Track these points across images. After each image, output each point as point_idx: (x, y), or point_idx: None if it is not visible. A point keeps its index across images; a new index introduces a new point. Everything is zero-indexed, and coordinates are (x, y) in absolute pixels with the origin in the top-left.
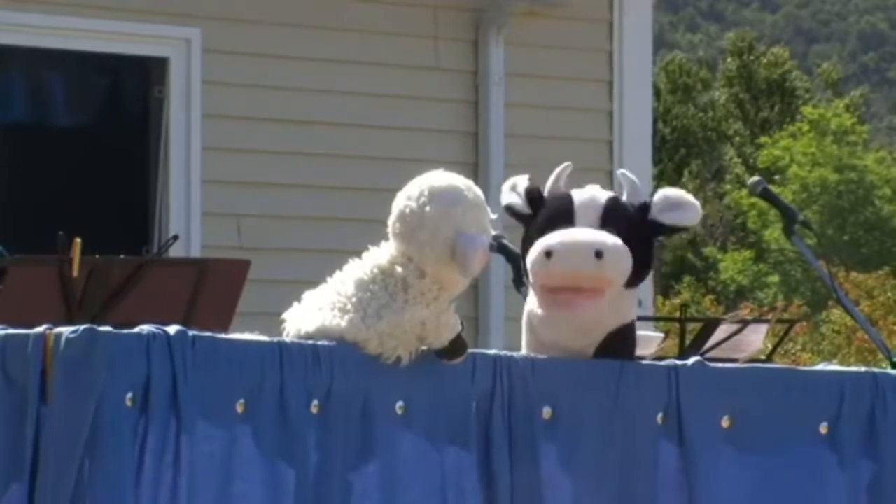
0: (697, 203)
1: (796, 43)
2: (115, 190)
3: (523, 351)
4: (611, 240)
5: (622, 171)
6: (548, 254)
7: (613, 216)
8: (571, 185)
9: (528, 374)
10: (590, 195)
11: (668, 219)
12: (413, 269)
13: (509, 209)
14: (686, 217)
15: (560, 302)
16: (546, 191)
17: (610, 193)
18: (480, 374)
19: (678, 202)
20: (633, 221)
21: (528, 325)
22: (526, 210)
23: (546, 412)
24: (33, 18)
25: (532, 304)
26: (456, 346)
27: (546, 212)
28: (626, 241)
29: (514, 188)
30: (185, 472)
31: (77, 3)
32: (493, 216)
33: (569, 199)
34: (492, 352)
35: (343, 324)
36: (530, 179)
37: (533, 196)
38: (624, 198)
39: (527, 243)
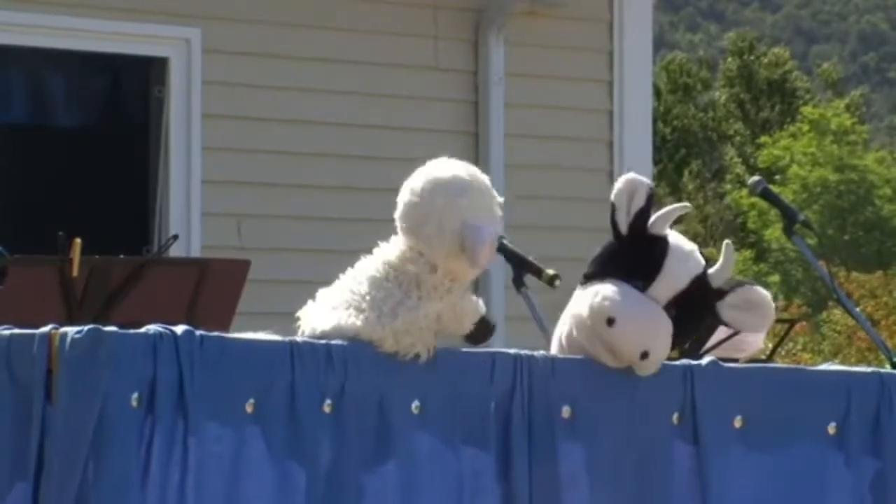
0: (772, 313)
1: (796, 43)
2: (115, 190)
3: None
4: (662, 344)
5: (728, 242)
6: (610, 321)
7: (686, 300)
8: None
9: (549, 373)
10: (682, 264)
11: (732, 318)
12: (424, 263)
13: (612, 213)
14: (751, 323)
15: (595, 350)
16: (651, 221)
17: (701, 268)
18: (500, 373)
19: (753, 306)
20: (699, 307)
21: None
22: (624, 229)
23: (566, 411)
24: (33, 18)
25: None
26: (482, 329)
27: (636, 253)
28: (679, 322)
29: (631, 196)
30: (193, 472)
31: (77, 3)
32: (500, 199)
33: (662, 254)
34: (512, 351)
35: (358, 323)
36: (649, 195)
37: (637, 224)
38: (712, 270)
39: (609, 262)
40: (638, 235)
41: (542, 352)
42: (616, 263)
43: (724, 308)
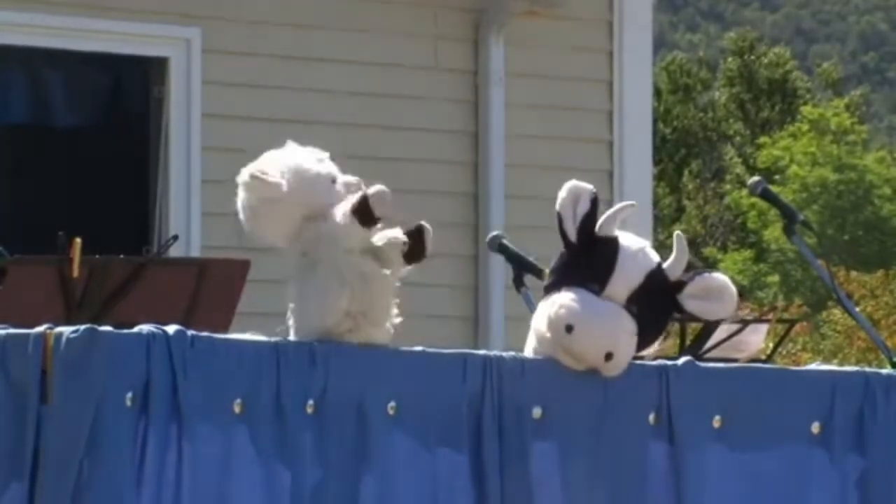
0: (734, 298)
1: (796, 43)
2: (115, 190)
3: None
4: (625, 344)
5: (678, 233)
6: (568, 328)
7: (644, 296)
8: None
9: (518, 374)
10: (634, 261)
11: (694, 307)
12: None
13: (559, 222)
14: (714, 311)
15: (560, 358)
16: (598, 224)
17: (654, 262)
18: (471, 374)
19: (713, 294)
20: (659, 301)
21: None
22: (573, 236)
23: (536, 412)
24: (33, 18)
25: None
26: (359, 206)
27: (587, 258)
28: (643, 319)
29: (575, 203)
30: (185, 471)
31: (77, 3)
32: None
33: (613, 254)
34: (482, 352)
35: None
36: (593, 200)
37: (585, 229)
38: (667, 263)
39: (563, 271)
40: (587, 240)
41: (511, 353)
42: (570, 271)
43: (685, 299)
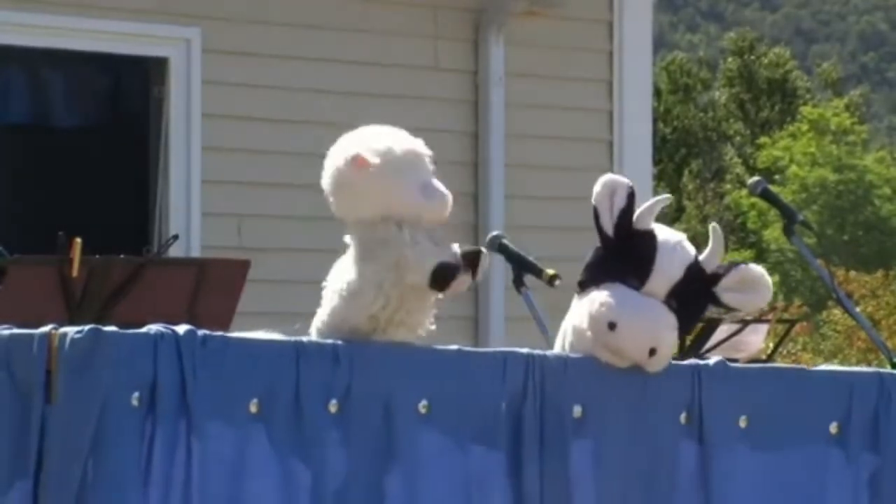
0: (770, 289)
1: (796, 43)
2: (115, 190)
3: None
4: (668, 339)
5: (714, 225)
6: (611, 325)
7: (683, 290)
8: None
9: (561, 372)
10: (673, 255)
11: (731, 300)
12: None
13: (596, 216)
14: (750, 303)
15: (600, 356)
16: (635, 217)
17: (692, 255)
18: (511, 372)
19: (749, 285)
20: (697, 294)
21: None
22: (610, 231)
23: (576, 411)
24: (33, 18)
25: (577, 320)
26: (441, 273)
27: (626, 253)
28: (682, 313)
29: (611, 197)
30: (195, 471)
31: (77, 3)
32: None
33: (652, 249)
34: (524, 350)
35: (325, 317)
36: (629, 194)
37: (622, 223)
38: (702, 256)
39: (601, 266)
40: (625, 235)
41: (553, 351)
42: (608, 266)
43: (722, 291)
